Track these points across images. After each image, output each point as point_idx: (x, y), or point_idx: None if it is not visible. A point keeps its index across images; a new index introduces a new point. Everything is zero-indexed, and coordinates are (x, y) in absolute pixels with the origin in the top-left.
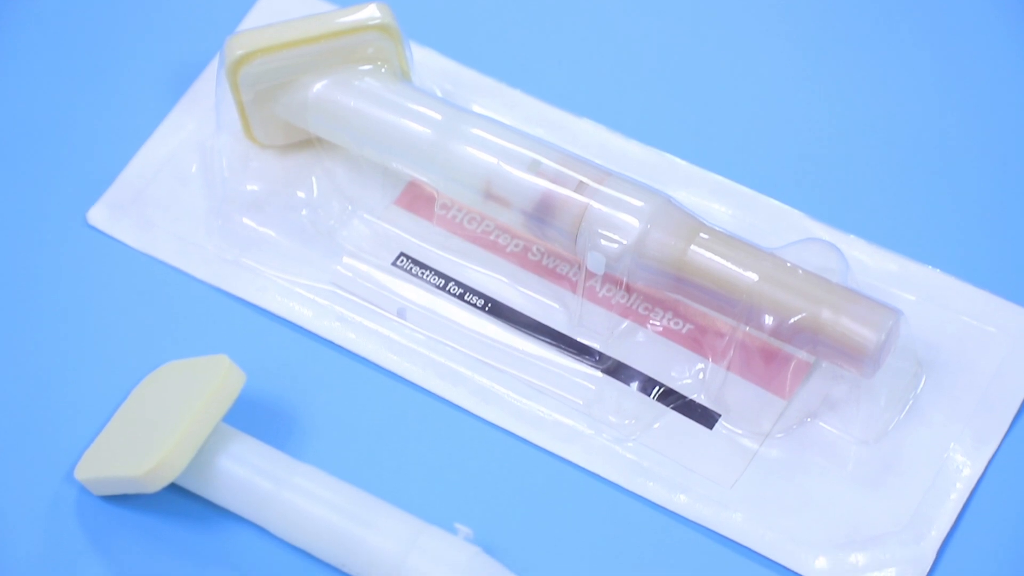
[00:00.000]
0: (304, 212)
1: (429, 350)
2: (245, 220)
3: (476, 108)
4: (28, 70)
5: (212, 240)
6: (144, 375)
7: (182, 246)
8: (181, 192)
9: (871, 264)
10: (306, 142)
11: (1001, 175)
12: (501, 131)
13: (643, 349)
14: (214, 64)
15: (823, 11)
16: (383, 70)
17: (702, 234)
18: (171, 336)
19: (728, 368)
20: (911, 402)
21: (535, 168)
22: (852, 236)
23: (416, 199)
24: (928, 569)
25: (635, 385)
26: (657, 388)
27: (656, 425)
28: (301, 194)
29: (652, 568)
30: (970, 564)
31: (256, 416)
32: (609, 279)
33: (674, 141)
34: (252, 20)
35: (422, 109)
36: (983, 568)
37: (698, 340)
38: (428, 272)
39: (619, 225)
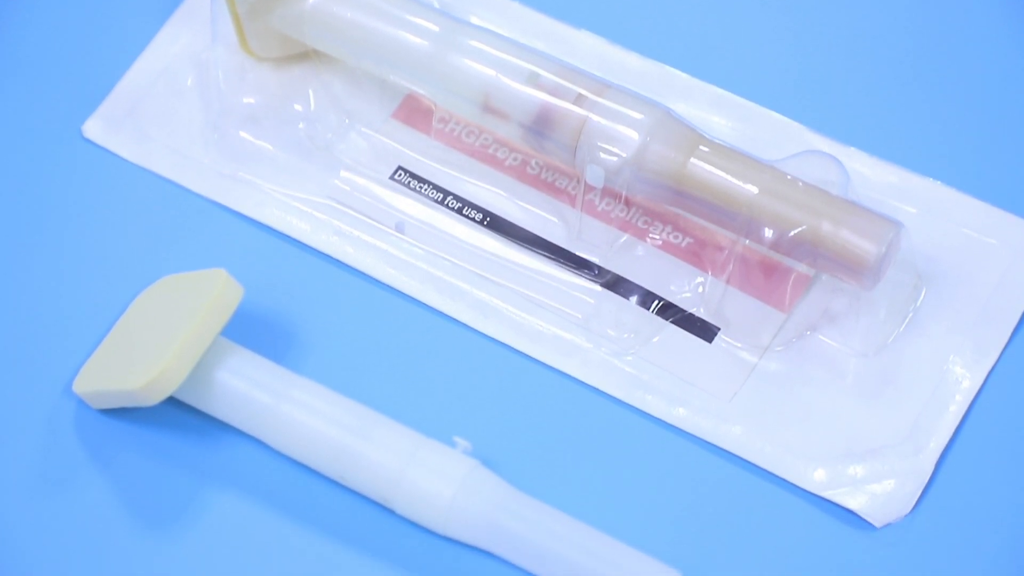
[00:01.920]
0: (301, 125)
1: (427, 264)
2: (242, 134)
3: (474, 20)
4: None
5: (209, 154)
6: (141, 289)
7: (178, 159)
8: (177, 105)
9: (871, 176)
10: (303, 54)
11: (1002, 87)
12: (499, 43)
13: (642, 263)
14: None
15: None
16: None
17: (702, 147)
18: (168, 250)
19: (728, 281)
20: (911, 314)
21: (534, 80)
22: (852, 148)
23: (414, 112)
24: (927, 481)
25: (634, 299)
26: (656, 302)
27: (655, 339)
28: (298, 107)
29: (650, 481)
30: (969, 476)
31: (254, 330)
32: (608, 192)
33: (673, 53)
34: None
35: (420, 21)
36: (982, 479)
37: (697, 254)
38: (426, 186)
39: (618, 138)
